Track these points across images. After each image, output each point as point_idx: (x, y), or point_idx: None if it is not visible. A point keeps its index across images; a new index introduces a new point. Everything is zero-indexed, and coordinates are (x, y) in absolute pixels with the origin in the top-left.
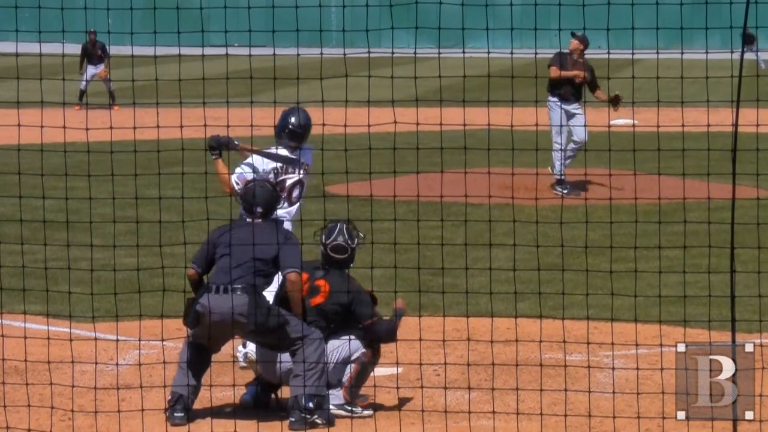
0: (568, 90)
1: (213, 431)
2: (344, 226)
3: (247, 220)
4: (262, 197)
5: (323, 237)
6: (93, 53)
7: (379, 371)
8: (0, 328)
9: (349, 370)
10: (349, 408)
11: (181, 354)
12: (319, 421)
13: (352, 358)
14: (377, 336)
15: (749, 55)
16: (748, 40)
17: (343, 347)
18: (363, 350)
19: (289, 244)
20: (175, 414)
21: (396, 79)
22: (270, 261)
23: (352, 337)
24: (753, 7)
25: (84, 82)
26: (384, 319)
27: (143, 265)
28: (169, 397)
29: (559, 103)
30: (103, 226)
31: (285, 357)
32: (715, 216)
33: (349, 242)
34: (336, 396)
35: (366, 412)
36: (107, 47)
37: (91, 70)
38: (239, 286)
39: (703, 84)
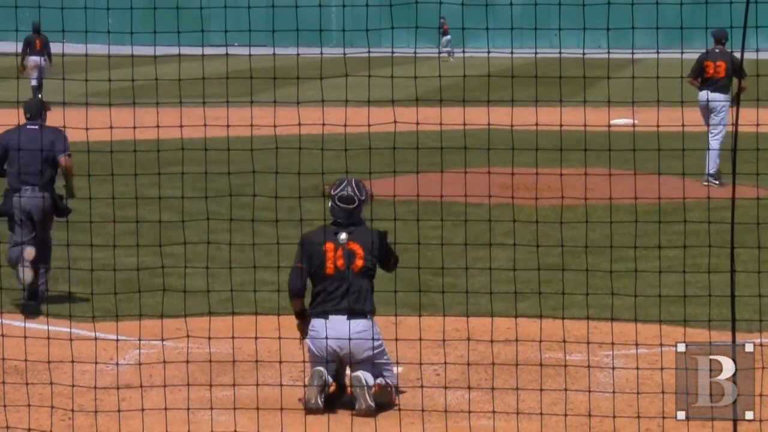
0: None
1: (213, 431)
2: (352, 180)
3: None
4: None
5: (332, 189)
6: (34, 43)
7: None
8: (0, 328)
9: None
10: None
11: None
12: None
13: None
14: (393, 267)
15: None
16: None
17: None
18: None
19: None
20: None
21: (396, 78)
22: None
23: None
24: (753, 7)
25: (34, 80)
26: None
27: (143, 265)
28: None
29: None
30: (103, 225)
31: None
32: (715, 216)
33: (357, 193)
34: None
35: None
36: (49, 42)
37: (34, 59)
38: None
39: None
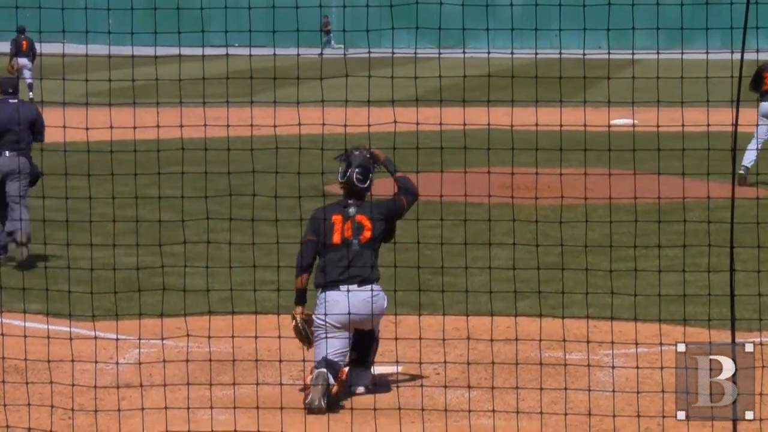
0: None
1: (213, 430)
2: (360, 155)
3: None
4: None
5: (340, 174)
6: (20, 44)
7: (378, 369)
8: (0, 327)
9: (372, 351)
10: (372, 387)
11: None
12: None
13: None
14: (412, 194)
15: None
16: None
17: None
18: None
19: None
20: None
21: (396, 79)
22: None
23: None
24: (753, 7)
25: (29, 79)
26: (398, 175)
27: (143, 265)
28: None
29: None
30: (102, 225)
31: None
32: (715, 215)
33: (363, 177)
34: (365, 376)
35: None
36: (35, 44)
37: (21, 61)
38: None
39: (702, 84)
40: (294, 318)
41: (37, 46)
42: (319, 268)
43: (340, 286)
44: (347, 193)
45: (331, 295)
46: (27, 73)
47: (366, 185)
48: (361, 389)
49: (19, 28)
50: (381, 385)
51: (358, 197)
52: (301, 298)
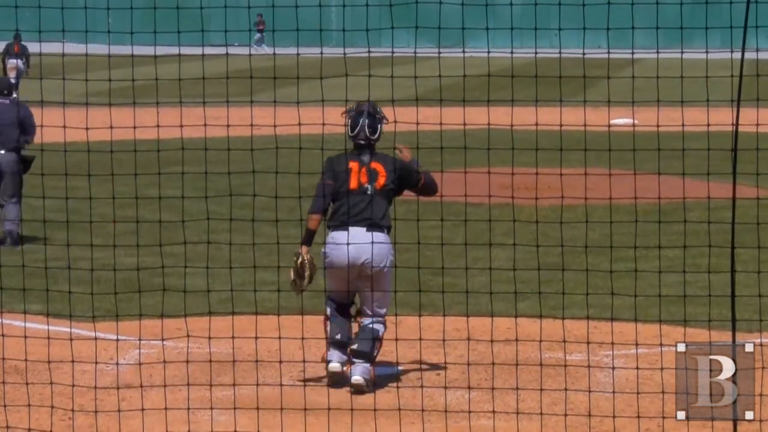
0: None
1: (213, 430)
2: (367, 109)
3: None
4: None
5: (349, 129)
6: (12, 48)
7: (378, 371)
8: (0, 328)
9: (376, 349)
10: (372, 385)
11: None
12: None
13: (379, 334)
14: (432, 188)
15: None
16: None
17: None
18: (383, 328)
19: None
20: None
21: (396, 78)
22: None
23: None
24: (753, 6)
25: (14, 79)
26: (422, 171)
27: (143, 265)
28: None
29: None
30: (103, 225)
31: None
32: (715, 216)
33: (371, 130)
34: (366, 370)
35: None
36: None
37: (11, 62)
38: None
39: (703, 84)
40: (297, 254)
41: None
42: (332, 211)
43: (349, 228)
44: (358, 147)
45: (336, 234)
46: (12, 74)
47: (376, 137)
48: (359, 379)
49: (15, 34)
50: (381, 385)
51: (370, 149)
52: (308, 239)
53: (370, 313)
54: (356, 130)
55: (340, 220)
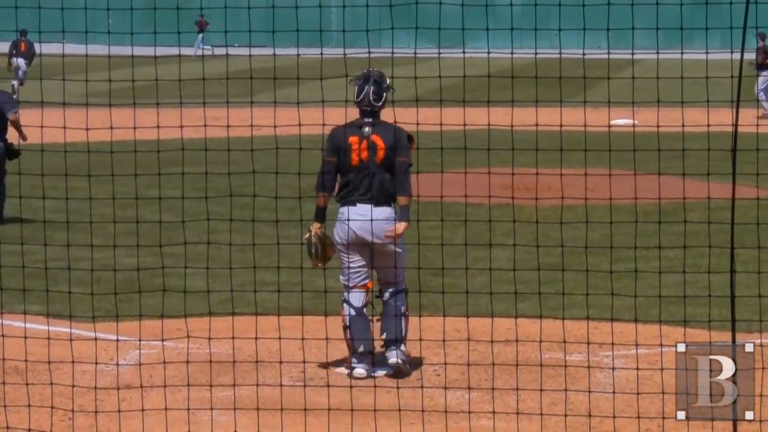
0: None
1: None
2: (373, 76)
3: None
4: None
5: (355, 95)
6: (19, 46)
7: (378, 371)
8: (0, 328)
9: (403, 327)
10: (408, 366)
11: None
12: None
13: (402, 310)
14: (406, 183)
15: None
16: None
17: (403, 249)
18: (405, 301)
19: None
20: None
21: (396, 79)
22: None
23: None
24: (753, 7)
25: (18, 78)
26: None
27: (143, 266)
28: None
29: None
30: (103, 226)
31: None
32: (715, 216)
33: (376, 96)
34: (402, 352)
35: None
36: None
37: (19, 61)
38: None
39: (702, 84)
40: (309, 230)
41: (36, 46)
42: (339, 186)
43: (356, 204)
44: (363, 113)
45: (343, 210)
46: (19, 73)
47: (381, 104)
48: (397, 362)
49: (21, 30)
50: (381, 386)
51: (374, 116)
52: (319, 216)
53: (390, 281)
54: (361, 96)
55: (346, 196)
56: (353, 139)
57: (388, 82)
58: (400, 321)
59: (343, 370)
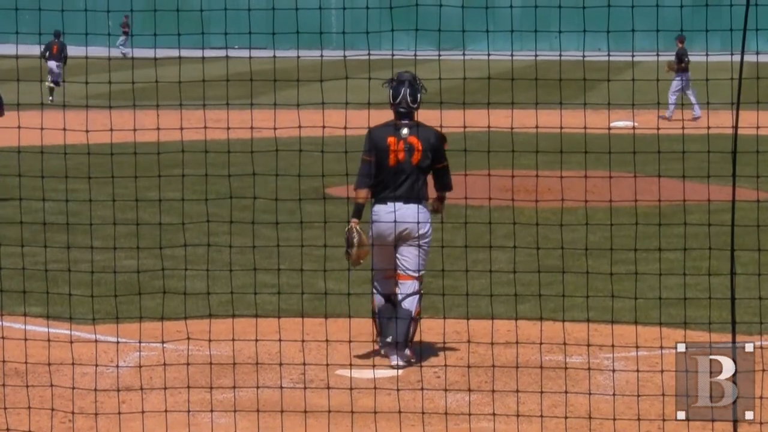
0: None
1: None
2: (408, 81)
3: None
4: None
5: (390, 97)
6: (52, 48)
7: (378, 373)
8: (0, 330)
9: (411, 330)
10: (412, 361)
11: None
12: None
13: (413, 313)
14: (448, 179)
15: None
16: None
17: (424, 249)
18: (417, 303)
19: None
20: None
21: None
22: None
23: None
24: (753, 9)
25: (53, 81)
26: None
27: (143, 267)
28: None
29: None
30: (103, 228)
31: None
32: (715, 218)
33: (411, 99)
34: (404, 355)
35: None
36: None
37: (51, 63)
38: None
39: (702, 86)
40: (348, 225)
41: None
42: (375, 184)
43: (387, 203)
44: (398, 115)
45: (377, 208)
46: (53, 76)
47: (416, 105)
48: (398, 361)
49: (55, 32)
50: (381, 387)
51: (410, 118)
52: (357, 212)
53: (411, 275)
54: (398, 99)
55: (381, 194)
56: (391, 140)
57: (421, 82)
58: (406, 324)
59: (344, 371)
